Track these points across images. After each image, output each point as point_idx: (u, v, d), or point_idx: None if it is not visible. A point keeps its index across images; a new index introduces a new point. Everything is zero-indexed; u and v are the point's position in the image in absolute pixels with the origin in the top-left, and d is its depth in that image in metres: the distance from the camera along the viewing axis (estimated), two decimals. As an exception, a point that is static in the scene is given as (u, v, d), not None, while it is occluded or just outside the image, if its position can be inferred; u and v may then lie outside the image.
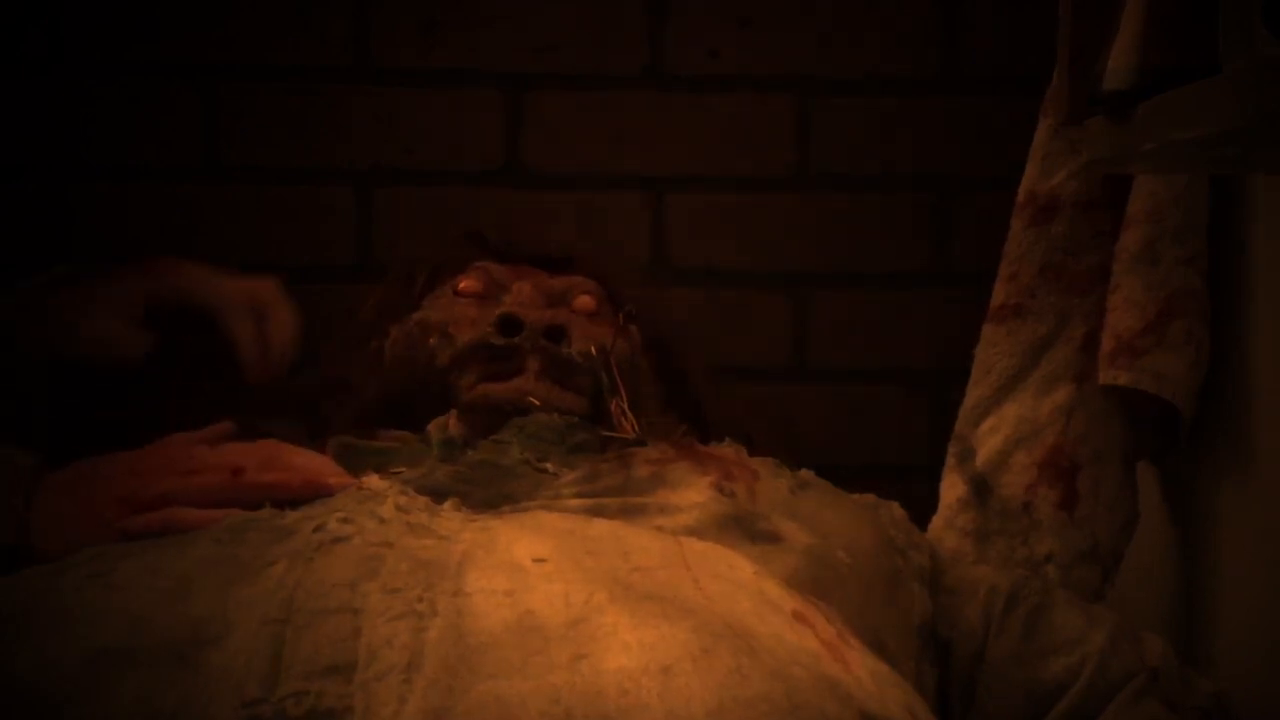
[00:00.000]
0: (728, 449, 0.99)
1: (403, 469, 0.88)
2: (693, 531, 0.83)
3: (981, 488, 1.15)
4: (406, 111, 1.42)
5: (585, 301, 1.11)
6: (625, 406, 1.01)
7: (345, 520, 0.74)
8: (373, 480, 0.82)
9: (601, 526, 0.78)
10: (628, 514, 0.85)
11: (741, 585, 0.73)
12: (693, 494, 0.88)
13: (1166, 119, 0.77)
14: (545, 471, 0.90)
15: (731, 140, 1.43)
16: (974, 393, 1.18)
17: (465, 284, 1.12)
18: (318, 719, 0.60)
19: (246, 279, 1.12)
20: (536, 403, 0.99)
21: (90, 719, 0.62)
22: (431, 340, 1.07)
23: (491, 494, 0.86)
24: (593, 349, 1.04)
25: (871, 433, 1.44)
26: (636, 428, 1.00)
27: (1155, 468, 1.18)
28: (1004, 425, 1.15)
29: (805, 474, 1.00)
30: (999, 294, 1.17)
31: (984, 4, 1.42)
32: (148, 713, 0.62)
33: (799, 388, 1.45)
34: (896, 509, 1.02)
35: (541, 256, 1.16)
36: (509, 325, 1.03)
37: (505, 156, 1.43)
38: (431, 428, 1.02)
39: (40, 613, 0.69)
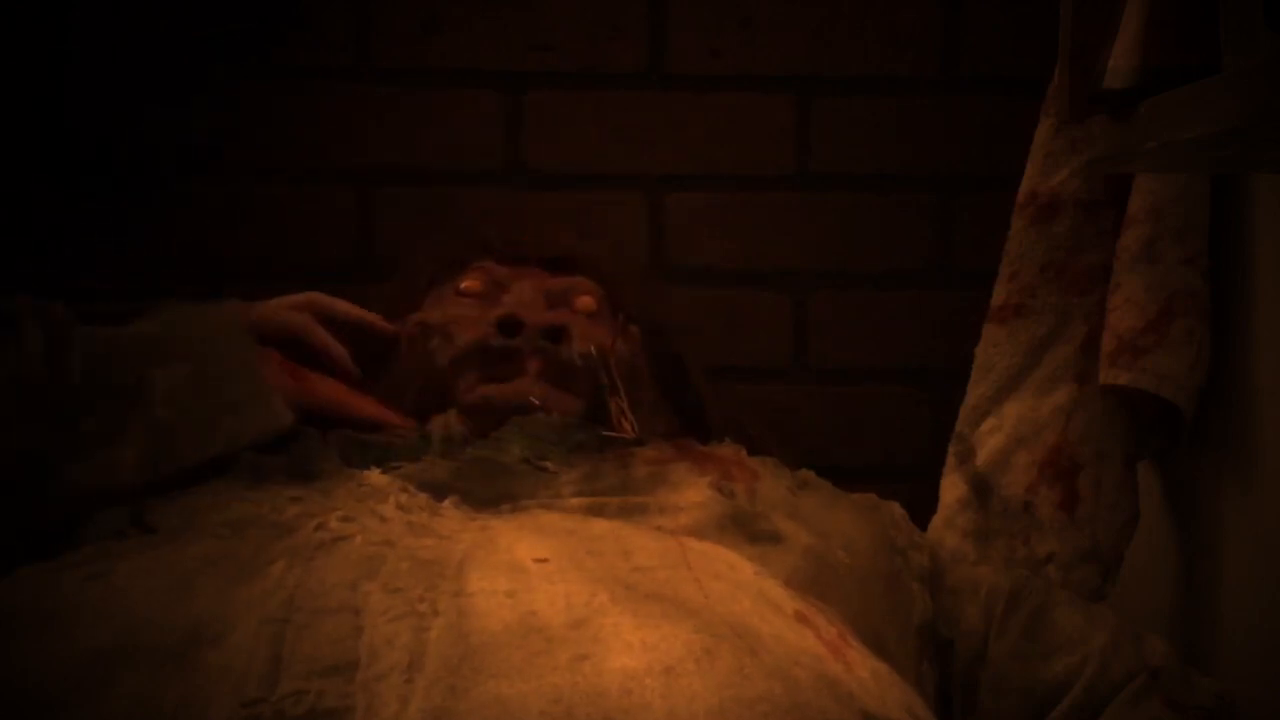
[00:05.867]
0: (728, 449, 0.99)
1: (403, 464, 0.88)
2: (692, 531, 0.83)
3: (982, 488, 1.15)
4: (406, 111, 1.42)
5: (586, 302, 1.11)
6: (625, 407, 1.01)
7: (346, 519, 0.74)
8: (374, 476, 0.82)
9: (602, 526, 0.78)
10: (627, 514, 0.85)
11: (743, 585, 0.73)
12: (692, 494, 0.88)
13: (1168, 118, 0.77)
14: (545, 470, 0.90)
15: (731, 140, 1.43)
16: (974, 392, 1.18)
17: (466, 284, 1.11)
18: (318, 719, 0.60)
19: (290, 297, 1.12)
20: (537, 403, 0.99)
21: (89, 719, 0.62)
22: (432, 340, 1.07)
23: (492, 492, 0.86)
24: (592, 349, 1.04)
25: (871, 433, 1.44)
26: (636, 428, 1.00)
27: (1156, 468, 1.18)
28: (1005, 425, 1.15)
29: (805, 474, 1.00)
30: (999, 293, 1.17)
31: (984, 4, 1.42)
32: (147, 712, 0.61)
33: (799, 388, 1.45)
34: (896, 509, 1.02)
35: (542, 256, 1.16)
36: (509, 326, 1.03)
37: (505, 156, 1.43)
38: (433, 424, 1.02)
39: (40, 612, 0.69)
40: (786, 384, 1.44)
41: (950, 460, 1.19)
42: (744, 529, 0.86)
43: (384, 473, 0.84)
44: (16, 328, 0.90)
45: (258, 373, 0.93)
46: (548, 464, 0.91)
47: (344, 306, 1.10)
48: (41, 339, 0.89)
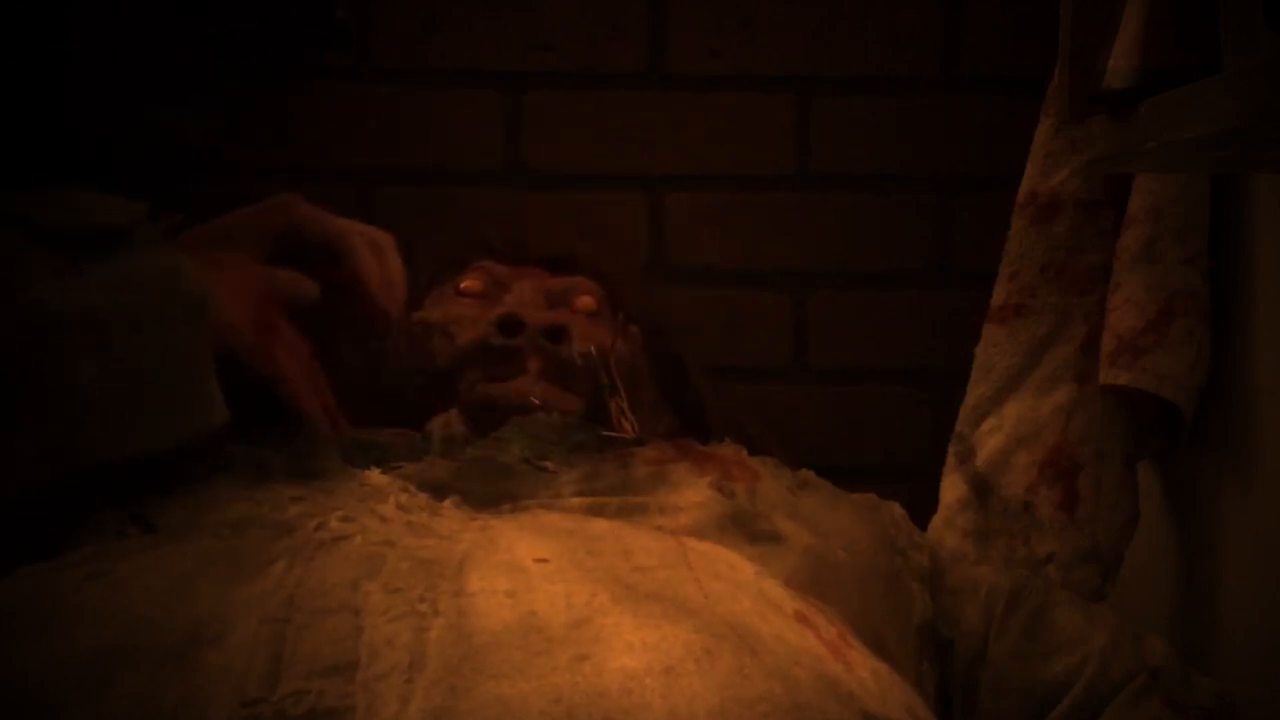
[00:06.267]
0: (728, 449, 0.99)
1: (404, 464, 0.88)
2: (692, 531, 0.83)
3: (982, 488, 1.15)
4: (406, 111, 1.42)
5: (586, 302, 1.11)
6: (625, 406, 1.01)
7: (346, 519, 0.74)
8: (375, 475, 0.82)
9: (602, 526, 0.78)
10: (627, 513, 0.85)
11: (743, 585, 0.73)
12: (692, 494, 0.88)
13: (1168, 118, 0.78)
14: (545, 470, 0.90)
15: (731, 140, 1.43)
16: (975, 392, 1.18)
17: (466, 283, 1.11)
18: (319, 718, 0.60)
19: (360, 225, 1.04)
20: (537, 403, 0.99)
21: (89, 719, 0.62)
22: (433, 340, 1.07)
23: (492, 491, 0.86)
24: (592, 349, 1.04)
25: (871, 433, 1.44)
26: (636, 428, 1.00)
27: (1155, 468, 1.18)
28: (1005, 425, 1.15)
29: (805, 474, 1.00)
30: (999, 293, 1.17)
31: (984, 4, 1.42)
32: (147, 712, 0.61)
33: (799, 388, 1.45)
34: (897, 509, 1.02)
35: (542, 256, 1.16)
36: (509, 325, 1.03)
37: (505, 156, 1.43)
38: (433, 424, 1.02)
39: (40, 613, 0.69)
40: (786, 384, 1.44)
41: (950, 460, 1.19)
42: (744, 529, 0.86)
43: (384, 472, 0.84)
44: None
45: (202, 369, 0.82)
46: (548, 464, 0.91)
47: (397, 265, 1.02)
48: None
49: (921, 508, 1.14)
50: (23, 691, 0.63)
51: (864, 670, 0.70)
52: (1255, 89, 0.66)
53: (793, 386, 1.45)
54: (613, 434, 0.98)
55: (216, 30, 1.11)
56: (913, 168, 1.43)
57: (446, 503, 0.81)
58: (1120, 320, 1.08)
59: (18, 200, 0.82)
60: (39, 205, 0.81)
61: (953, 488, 1.17)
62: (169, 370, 0.81)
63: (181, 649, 0.64)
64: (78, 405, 0.78)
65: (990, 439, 1.16)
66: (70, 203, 0.82)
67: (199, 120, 1.24)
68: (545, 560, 0.69)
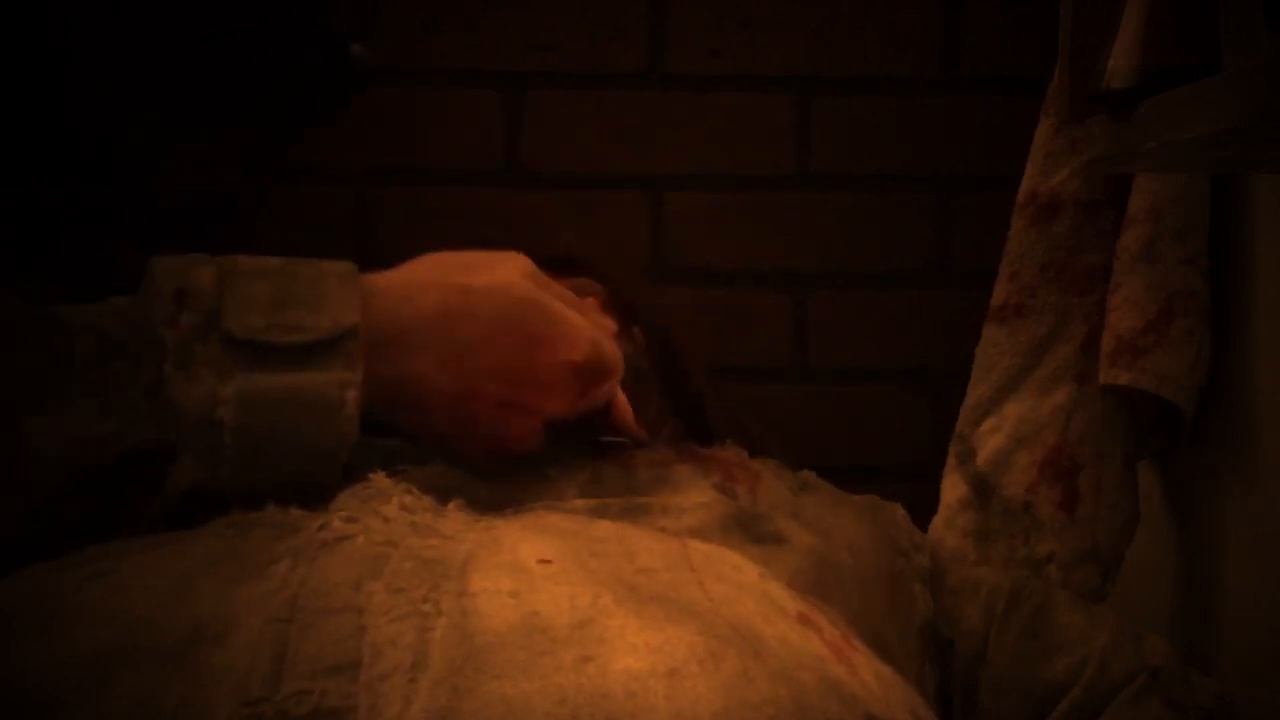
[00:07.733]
0: (729, 451, 0.99)
1: (408, 467, 0.88)
2: (696, 533, 0.83)
3: (983, 488, 1.15)
4: (406, 111, 1.42)
5: (589, 304, 1.11)
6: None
7: (350, 519, 0.74)
8: (379, 478, 0.81)
9: (606, 528, 0.78)
10: (631, 514, 0.85)
11: (747, 587, 0.73)
12: (696, 495, 0.88)
13: (1168, 118, 0.78)
14: (549, 473, 0.90)
15: (731, 140, 1.43)
16: (975, 392, 1.18)
17: (468, 285, 1.11)
18: (321, 718, 0.60)
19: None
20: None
21: (89, 719, 0.62)
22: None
23: (496, 493, 0.86)
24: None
25: (871, 433, 1.44)
26: (641, 430, 1.00)
27: (1156, 468, 1.18)
28: (1005, 425, 1.15)
29: (807, 475, 1.00)
30: (1000, 293, 1.17)
31: (984, 4, 1.42)
32: (147, 712, 0.61)
33: (799, 388, 1.45)
34: (899, 510, 1.02)
35: (544, 257, 1.16)
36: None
37: (505, 156, 1.43)
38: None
39: (40, 612, 0.69)
40: (786, 384, 1.45)
41: (951, 460, 1.19)
42: (747, 530, 0.86)
43: (389, 475, 0.83)
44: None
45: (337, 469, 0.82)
46: (551, 469, 0.91)
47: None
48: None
49: (921, 508, 1.14)
50: (23, 691, 0.63)
51: (867, 672, 0.70)
52: (1255, 89, 0.66)
53: (793, 386, 1.45)
54: (614, 438, 0.98)
55: (216, 30, 1.11)
56: (913, 168, 1.43)
57: (451, 505, 0.81)
58: (1120, 320, 1.08)
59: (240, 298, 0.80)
60: (250, 310, 0.80)
61: (953, 488, 1.18)
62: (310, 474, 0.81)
63: (183, 649, 0.64)
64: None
65: (990, 439, 1.16)
66: (287, 318, 0.80)
67: (240, 169, 1.21)
68: (549, 561, 0.69)
